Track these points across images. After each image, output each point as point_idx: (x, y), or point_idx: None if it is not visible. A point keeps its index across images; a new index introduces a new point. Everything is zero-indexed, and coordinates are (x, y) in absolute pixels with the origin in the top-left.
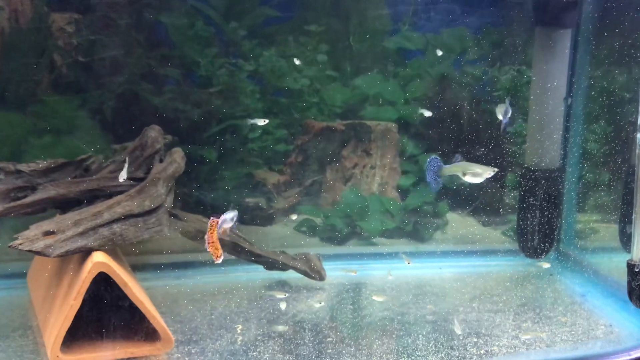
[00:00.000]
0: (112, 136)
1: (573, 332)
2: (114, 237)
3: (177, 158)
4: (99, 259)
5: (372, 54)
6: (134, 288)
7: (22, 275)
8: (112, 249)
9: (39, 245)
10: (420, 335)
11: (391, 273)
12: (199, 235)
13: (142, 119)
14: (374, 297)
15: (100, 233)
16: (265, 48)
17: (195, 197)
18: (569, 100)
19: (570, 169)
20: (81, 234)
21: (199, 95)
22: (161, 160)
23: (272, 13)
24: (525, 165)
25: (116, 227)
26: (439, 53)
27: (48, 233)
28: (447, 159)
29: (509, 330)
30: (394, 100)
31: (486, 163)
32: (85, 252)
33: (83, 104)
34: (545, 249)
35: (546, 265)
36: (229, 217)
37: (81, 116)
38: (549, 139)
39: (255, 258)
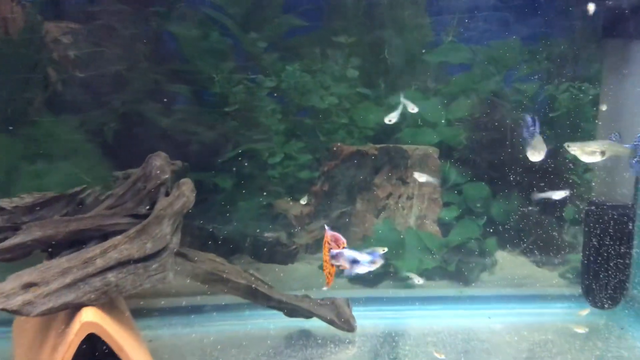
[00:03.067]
0: (115, 162)
1: None
2: (107, 288)
3: (186, 191)
4: (89, 318)
5: (409, 69)
6: (132, 351)
7: (8, 322)
8: None
9: (15, 302)
10: None
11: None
12: (210, 278)
13: (148, 142)
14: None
15: (92, 284)
16: (288, 62)
17: (207, 231)
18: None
19: None
20: (69, 285)
21: (213, 115)
22: (167, 194)
23: (297, 22)
24: (592, 199)
25: (111, 276)
26: None
27: (29, 285)
28: (497, 192)
29: None
30: (434, 121)
31: (543, 193)
32: (74, 308)
33: (81, 126)
34: (615, 298)
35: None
36: (365, 260)
37: (79, 139)
38: (621, 170)
39: (274, 303)
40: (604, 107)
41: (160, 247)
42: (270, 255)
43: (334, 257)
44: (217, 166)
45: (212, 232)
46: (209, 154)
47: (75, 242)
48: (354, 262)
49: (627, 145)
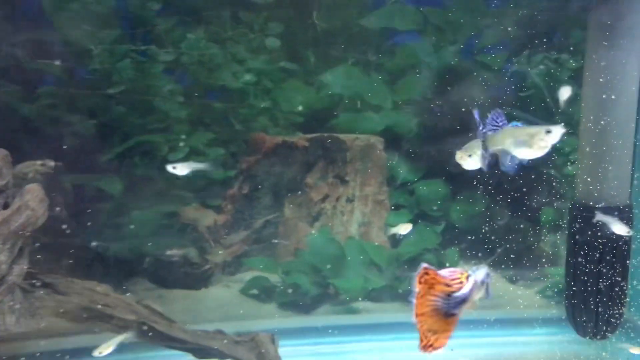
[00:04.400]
0: None
1: None
2: None
3: (32, 201)
4: None
5: (345, 38)
6: None
7: None
8: None
9: None
10: None
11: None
12: (85, 315)
13: (4, 137)
14: None
15: None
16: (189, 29)
17: (92, 251)
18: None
19: None
20: None
21: (92, 99)
22: (6, 206)
23: None
24: (577, 201)
25: None
26: None
27: None
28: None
29: None
30: (378, 103)
31: (515, 192)
32: None
33: None
34: (608, 325)
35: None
36: (479, 278)
37: None
38: (613, 163)
39: (175, 344)
40: None
41: None
42: (177, 279)
43: (462, 301)
44: (101, 166)
45: (98, 252)
46: (90, 150)
47: None
48: (485, 279)
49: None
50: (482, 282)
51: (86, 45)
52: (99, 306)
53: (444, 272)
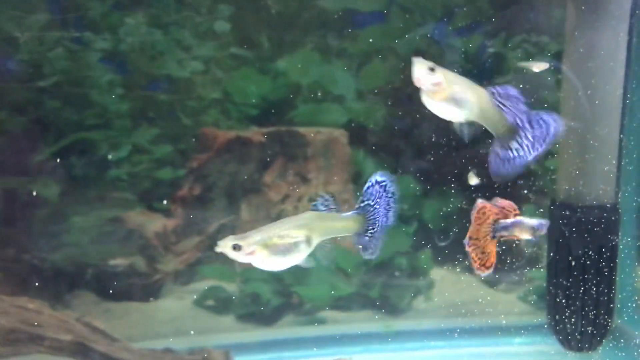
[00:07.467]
0: None
1: None
2: None
3: None
4: None
5: (302, 20)
6: None
7: None
8: None
9: None
10: None
11: None
12: (11, 337)
13: None
14: None
15: None
16: (127, 12)
17: (26, 262)
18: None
19: (630, 205)
20: None
21: (21, 93)
22: None
23: None
24: (558, 199)
25: None
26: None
27: None
28: (430, 188)
29: None
30: (341, 93)
31: (486, 189)
32: None
33: None
34: (595, 335)
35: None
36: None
37: None
38: (598, 158)
39: None
40: None
41: None
42: (124, 291)
43: (506, 227)
44: (34, 167)
45: (34, 262)
46: (21, 149)
47: None
48: (537, 226)
49: None
50: (533, 227)
51: (12, 33)
52: (29, 326)
53: (502, 202)
